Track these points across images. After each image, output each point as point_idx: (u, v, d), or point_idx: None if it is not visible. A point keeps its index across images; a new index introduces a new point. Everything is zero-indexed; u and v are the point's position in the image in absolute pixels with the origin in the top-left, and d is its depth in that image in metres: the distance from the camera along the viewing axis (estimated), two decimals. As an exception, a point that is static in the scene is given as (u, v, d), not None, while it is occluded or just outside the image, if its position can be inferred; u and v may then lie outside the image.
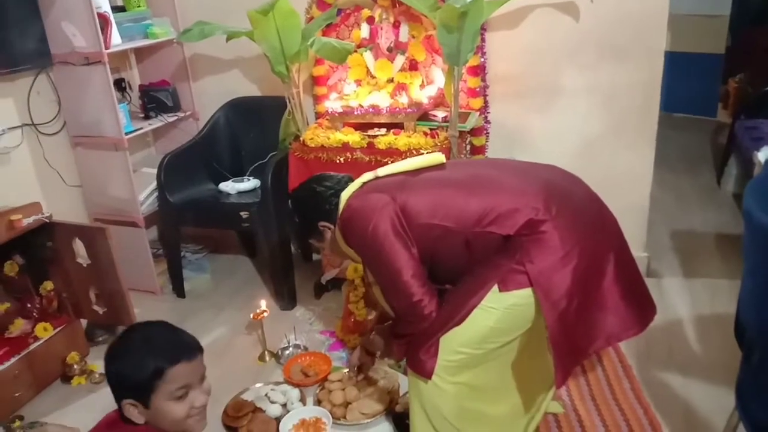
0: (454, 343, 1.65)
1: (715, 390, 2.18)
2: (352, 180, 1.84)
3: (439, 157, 1.80)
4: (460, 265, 1.69)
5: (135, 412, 1.28)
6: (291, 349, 2.58)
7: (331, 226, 1.82)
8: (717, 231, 3.45)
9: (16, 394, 2.27)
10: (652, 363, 2.40)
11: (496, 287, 1.59)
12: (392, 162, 2.02)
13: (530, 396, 1.95)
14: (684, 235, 3.42)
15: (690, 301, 2.78)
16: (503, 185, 1.68)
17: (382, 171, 1.81)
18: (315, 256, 3.29)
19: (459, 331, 1.63)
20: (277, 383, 2.35)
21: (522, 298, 1.58)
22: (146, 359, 1.25)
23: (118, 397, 1.29)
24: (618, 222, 1.74)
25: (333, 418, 2.13)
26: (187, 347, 1.31)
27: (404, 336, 1.77)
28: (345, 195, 1.77)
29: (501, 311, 1.60)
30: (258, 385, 2.34)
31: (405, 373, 2.37)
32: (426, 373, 1.67)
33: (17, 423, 2.15)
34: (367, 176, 1.80)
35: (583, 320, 1.59)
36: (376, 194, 1.70)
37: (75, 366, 2.46)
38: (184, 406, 1.29)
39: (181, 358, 1.28)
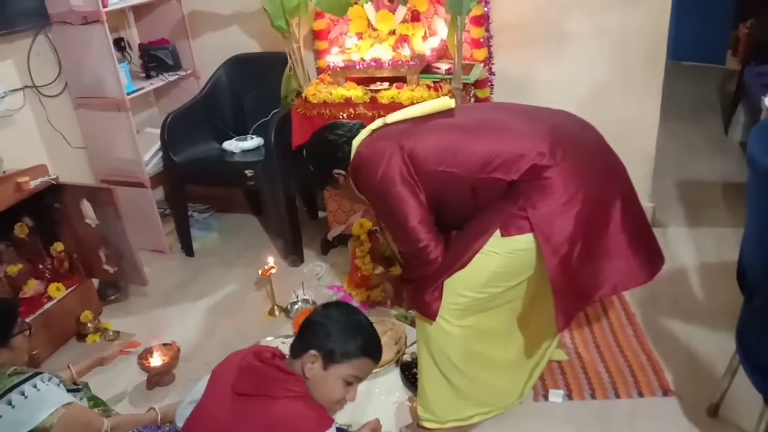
0: (458, 287, 1.69)
1: (718, 336, 2.21)
2: (363, 127, 1.86)
3: (447, 102, 1.79)
4: (466, 211, 1.72)
5: (311, 365, 1.40)
6: (300, 303, 2.62)
7: (345, 173, 1.84)
8: (723, 180, 3.44)
9: (34, 352, 2.32)
10: (656, 311, 2.43)
11: (498, 232, 1.61)
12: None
13: (535, 343, 1.99)
14: (690, 184, 3.41)
15: (695, 250, 2.80)
16: (510, 129, 1.68)
17: (390, 118, 1.81)
18: (321, 214, 3.31)
19: (462, 274, 1.67)
20: (287, 336, 2.40)
21: (523, 242, 1.60)
22: (358, 338, 1.43)
23: (307, 345, 1.41)
24: (627, 170, 1.73)
25: (342, 368, 2.18)
26: (380, 354, 1.51)
27: (412, 281, 1.80)
28: (356, 142, 1.79)
29: (503, 256, 1.63)
30: (269, 338, 2.39)
31: (412, 324, 2.43)
32: (431, 315, 1.72)
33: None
34: (377, 123, 1.82)
35: (588, 266, 1.60)
36: (385, 142, 1.73)
37: (89, 324, 2.53)
38: (343, 391, 1.43)
39: (375, 357, 1.48)
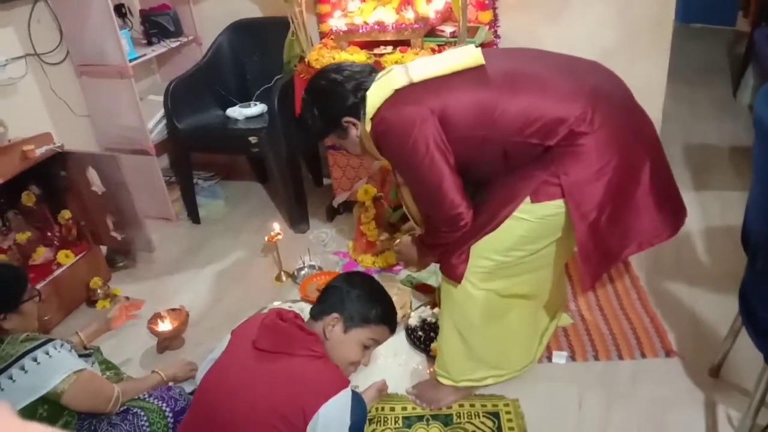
0: (484, 250, 1.68)
1: (721, 299, 2.22)
2: (375, 70, 1.73)
3: (476, 57, 1.61)
4: (494, 173, 1.67)
5: (332, 327, 1.48)
6: (306, 269, 2.65)
7: (357, 122, 1.69)
8: (731, 144, 3.41)
9: (46, 318, 2.37)
10: (661, 274, 2.45)
11: (528, 198, 1.58)
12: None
13: (551, 308, 2.02)
14: (697, 148, 3.38)
15: (701, 214, 2.79)
16: (550, 87, 1.58)
17: (415, 74, 1.62)
18: (326, 181, 3.31)
19: (489, 238, 1.65)
20: (294, 301, 2.43)
21: (553, 208, 1.58)
22: (378, 306, 1.53)
23: (330, 308, 1.50)
24: (653, 124, 1.68)
25: (348, 332, 2.21)
26: (396, 324, 1.62)
27: (437, 246, 1.79)
28: (375, 98, 1.63)
29: (532, 221, 1.61)
30: (276, 303, 2.42)
31: (416, 289, 2.45)
32: (456, 278, 1.72)
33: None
34: (400, 80, 1.62)
35: (615, 229, 1.58)
36: (413, 107, 1.58)
37: (98, 290, 2.56)
38: (360, 354, 1.53)
39: (392, 326, 1.59)
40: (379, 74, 1.70)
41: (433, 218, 1.72)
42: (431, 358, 2.11)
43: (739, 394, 1.87)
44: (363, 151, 1.79)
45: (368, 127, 1.66)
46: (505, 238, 1.65)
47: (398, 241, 2.09)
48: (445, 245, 1.75)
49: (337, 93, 1.68)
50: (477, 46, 2.62)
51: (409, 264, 2.09)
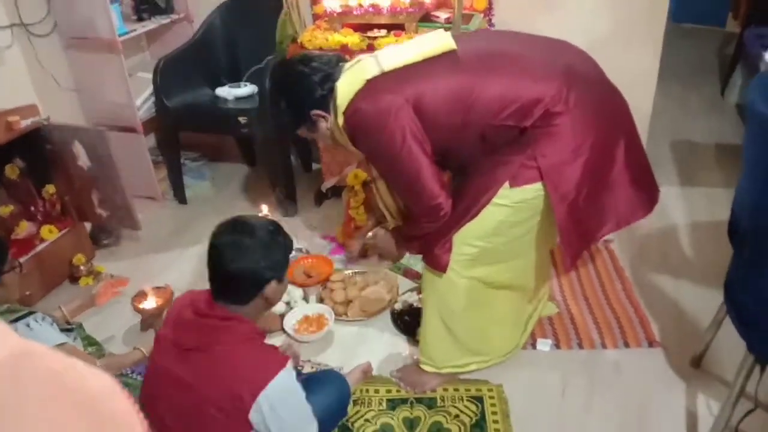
0: (467, 237, 1.68)
1: (704, 292, 2.25)
2: (342, 60, 1.68)
3: (447, 43, 1.59)
4: (471, 158, 1.66)
5: (273, 291, 1.43)
6: (294, 252, 2.61)
7: (326, 115, 1.64)
8: (718, 141, 3.44)
9: (27, 293, 2.33)
10: (646, 266, 2.47)
11: (507, 183, 1.58)
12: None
13: (535, 293, 2.03)
14: (684, 145, 3.41)
15: (687, 209, 2.82)
16: (525, 67, 1.57)
17: (386, 63, 1.59)
18: (315, 166, 3.29)
19: (471, 226, 1.65)
20: (280, 283, 2.41)
21: (532, 192, 1.58)
22: (281, 244, 1.44)
23: (260, 282, 1.41)
24: (627, 102, 1.69)
25: (335, 314, 2.20)
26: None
27: (417, 238, 1.78)
28: (345, 89, 1.58)
29: (512, 206, 1.61)
30: (261, 285, 2.41)
31: (403, 274, 2.45)
32: (441, 268, 1.72)
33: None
34: (371, 70, 1.58)
35: (593, 208, 1.60)
36: (388, 96, 1.54)
37: (82, 267, 2.53)
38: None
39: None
40: (347, 64, 1.65)
41: (414, 210, 1.71)
42: (416, 342, 2.11)
43: (720, 384, 1.90)
44: (335, 144, 1.74)
45: (340, 120, 1.61)
46: (487, 225, 1.65)
47: (373, 233, 2.07)
48: (425, 236, 1.75)
49: (303, 85, 1.62)
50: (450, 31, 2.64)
51: (386, 257, 2.09)
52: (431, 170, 1.59)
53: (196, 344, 1.37)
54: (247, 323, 1.41)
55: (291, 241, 1.50)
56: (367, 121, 1.57)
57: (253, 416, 1.33)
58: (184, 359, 1.37)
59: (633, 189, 1.63)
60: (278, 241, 1.44)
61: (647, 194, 1.68)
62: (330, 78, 1.61)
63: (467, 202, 1.65)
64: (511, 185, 1.59)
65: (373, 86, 1.58)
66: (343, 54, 2.40)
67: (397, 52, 1.63)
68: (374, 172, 1.84)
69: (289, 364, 1.39)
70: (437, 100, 1.55)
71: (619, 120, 1.64)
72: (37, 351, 0.38)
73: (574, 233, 1.61)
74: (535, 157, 1.54)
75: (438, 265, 1.73)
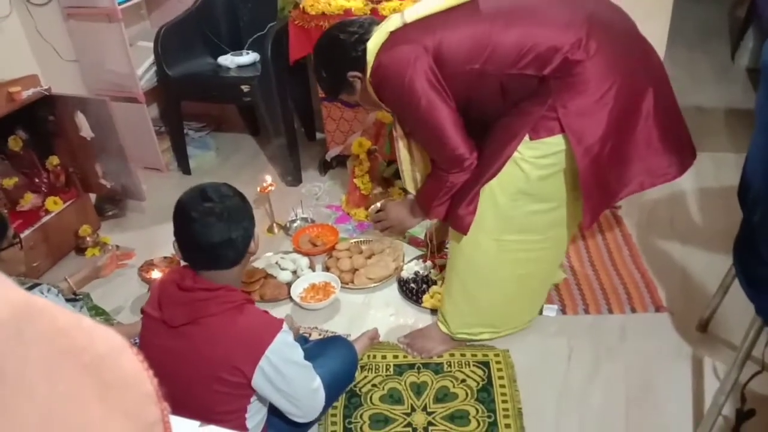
0: (491, 196, 1.64)
1: (712, 257, 2.24)
2: (375, 23, 1.71)
3: None
4: (493, 111, 1.63)
5: (255, 244, 1.45)
6: (299, 221, 2.63)
7: (361, 75, 1.69)
8: (727, 106, 3.39)
9: (34, 264, 2.34)
10: (653, 232, 2.45)
11: (527, 136, 1.55)
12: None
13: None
14: (693, 110, 3.35)
15: (695, 175, 2.78)
16: (544, 16, 1.55)
17: (409, 15, 1.62)
18: (319, 135, 3.26)
19: (494, 184, 1.62)
20: (287, 252, 2.42)
21: (553, 145, 1.54)
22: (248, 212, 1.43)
23: (239, 253, 1.39)
24: (659, 55, 1.63)
25: (341, 282, 2.21)
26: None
27: (442, 202, 1.75)
28: (372, 46, 1.63)
29: (531, 161, 1.57)
30: (268, 254, 2.41)
31: (409, 243, 2.45)
32: (463, 229, 1.70)
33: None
34: (394, 23, 1.63)
35: (617, 164, 1.55)
36: (406, 46, 1.57)
37: (88, 238, 2.53)
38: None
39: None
40: (380, 24, 1.68)
41: (438, 160, 1.72)
42: (422, 309, 2.12)
43: (727, 348, 1.90)
44: (371, 104, 1.78)
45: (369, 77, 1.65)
46: (510, 183, 1.61)
47: (379, 205, 2.02)
48: (448, 200, 1.73)
49: (338, 49, 1.69)
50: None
51: (396, 230, 2.04)
52: (453, 119, 1.61)
53: (187, 319, 1.34)
54: (235, 291, 1.39)
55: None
56: (387, 73, 1.61)
57: (256, 381, 1.33)
58: (177, 335, 1.34)
59: (662, 147, 1.56)
60: (240, 194, 1.43)
61: (678, 154, 1.59)
62: (362, 39, 1.66)
63: (488, 156, 1.63)
64: (532, 138, 1.55)
65: (394, 38, 1.62)
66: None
67: (421, 6, 1.65)
68: (398, 131, 1.82)
69: (285, 326, 1.39)
70: (455, 47, 1.56)
71: (647, 70, 1.57)
72: (42, 306, 0.38)
73: (596, 191, 1.56)
74: (556, 108, 1.50)
75: (461, 226, 1.70)
